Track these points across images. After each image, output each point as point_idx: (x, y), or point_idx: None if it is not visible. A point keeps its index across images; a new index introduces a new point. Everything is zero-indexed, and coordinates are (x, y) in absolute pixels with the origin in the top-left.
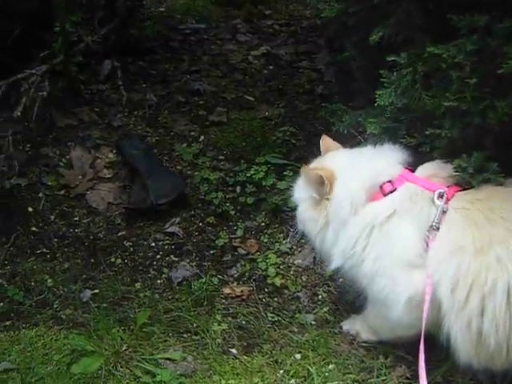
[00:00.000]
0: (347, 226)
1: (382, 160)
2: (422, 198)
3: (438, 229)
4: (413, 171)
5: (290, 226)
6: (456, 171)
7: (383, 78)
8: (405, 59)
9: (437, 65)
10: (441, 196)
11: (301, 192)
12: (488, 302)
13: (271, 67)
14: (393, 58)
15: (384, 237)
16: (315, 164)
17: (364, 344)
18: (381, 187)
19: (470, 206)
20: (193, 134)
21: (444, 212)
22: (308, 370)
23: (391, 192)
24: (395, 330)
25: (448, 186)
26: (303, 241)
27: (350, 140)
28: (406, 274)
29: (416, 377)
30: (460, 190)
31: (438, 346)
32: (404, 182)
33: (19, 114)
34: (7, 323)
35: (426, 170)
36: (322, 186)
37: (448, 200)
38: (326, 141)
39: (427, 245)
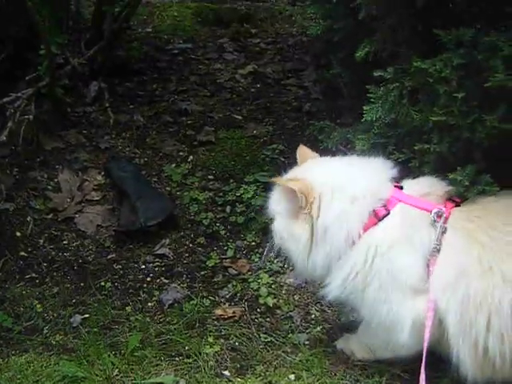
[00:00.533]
0: (345, 257)
1: (371, 179)
2: (419, 220)
3: (439, 251)
4: (401, 187)
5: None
6: (452, 185)
7: (370, 94)
8: (391, 74)
9: (423, 80)
10: (439, 216)
11: (276, 205)
12: (494, 319)
13: (258, 85)
14: (379, 73)
15: (386, 266)
16: (291, 174)
17: (359, 363)
18: (374, 211)
19: (471, 225)
20: (181, 154)
21: (443, 233)
22: None
23: (385, 216)
24: (396, 352)
25: (444, 202)
26: None
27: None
28: (410, 300)
29: None
30: (454, 206)
31: (435, 362)
32: (397, 203)
33: (5, 138)
34: None
35: (416, 187)
36: (296, 199)
37: (446, 219)
38: (302, 150)
39: (429, 268)
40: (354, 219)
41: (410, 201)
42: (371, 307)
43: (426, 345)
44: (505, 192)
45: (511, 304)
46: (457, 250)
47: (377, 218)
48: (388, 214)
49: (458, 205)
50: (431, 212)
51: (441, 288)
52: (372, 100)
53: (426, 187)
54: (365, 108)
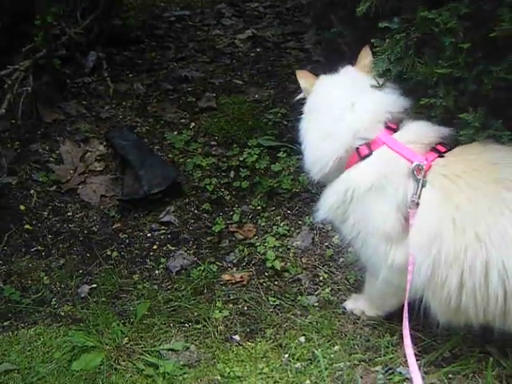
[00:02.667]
0: (333, 184)
1: (364, 114)
2: (397, 169)
3: (418, 204)
4: (394, 129)
5: (287, 207)
6: (461, 127)
7: (375, 47)
8: (397, 24)
9: (429, 30)
10: (419, 169)
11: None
12: (467, 278)
13: (258, 50)
14: (385, 25)
15: (362, 208)
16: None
17: (369, 322)
18: (357, 149)
19: (449, 184)
20: (183, 121)
21: (423, 186)
22: (313, 352)
23: (367, 156)
24: (383, 297)
25: (426, 153)
26: (300, 222)
27: None
28: (384, 246)
29: (424, 352)
30: (438, 156)
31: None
32: (381, 145)
33: (4, 111)
34: (5, 324)
35: (407, 133)
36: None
37: (426, 172)
38: (303, 73)
39: (406, 220)
40: (325, 152)
41: (394, 146)
42: (351, 239)
43: (406, 296)
44: (493, 144)
45: (483, 263)
46: (432, 209)
47: (359, 156)
48: (370, 154)
49: (440, 155)
50: (412, 163)
51: (417, 246)
52: (378, 53)
53: (413, 134)
54: (373, 61)
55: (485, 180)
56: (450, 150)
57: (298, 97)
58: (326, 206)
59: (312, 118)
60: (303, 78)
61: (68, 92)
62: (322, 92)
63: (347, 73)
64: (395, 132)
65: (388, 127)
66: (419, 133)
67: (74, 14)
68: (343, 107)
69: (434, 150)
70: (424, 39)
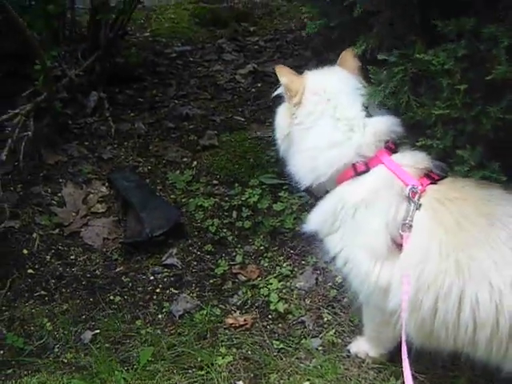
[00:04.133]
0: (325, 198)
1: (371, 130)
2: (392, 190)
3: (411, 227)
4: (394, 149)
5: (290, 247)
6: (457, 162)
7: (372, 75)
8: (396, 58)
9: (426, 67)
10: (414, 193)
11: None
12: (441, 305)
13: (259, 85)
14: (383, 57)
15: (352, 222)
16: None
17: (374, 366)
18: (353, 165)
19: (441, 207)
20: (185, 160)
21: (417, 209)
22: None
23: (363, 172)
24: (377, 328)
25: (420, 178)
26: (304, 262)
27: None
28: (368, 263)
29: None
30: (431, 183)
31: (449, 359)
32: (379, 164)
33: (4, 157)
34: (8, 372)
35: (404, 156)
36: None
37: (420, 195)
38: (283, 70)
39: (393, 241)
40: (328, 161)
41: (391, 166)
42: (335, 254)
43: (403, 317)
44: (490, 184)
45: (458, 293)
46: (424, 231)
47: (355, 171)
48: (366, 171)
49: (434, 182)
50: (407, 186)
51: (409, 266)
52: (373, 81)
53: (410, 158)
54: (366, 90)
55: (475, 211)
56: (442, 178)
57: (276, 92)
58: (317, 216)
59: (312, 122)
60: (284, 74)
61: (70, 133)
62: (327, 96)
63: (339, 74)
64: (393, 153)
65: (388, 147)
66: (415, 158)
67: (75, 55)
68: (351, 118)
69: (427, 176)
70: (421, 76)
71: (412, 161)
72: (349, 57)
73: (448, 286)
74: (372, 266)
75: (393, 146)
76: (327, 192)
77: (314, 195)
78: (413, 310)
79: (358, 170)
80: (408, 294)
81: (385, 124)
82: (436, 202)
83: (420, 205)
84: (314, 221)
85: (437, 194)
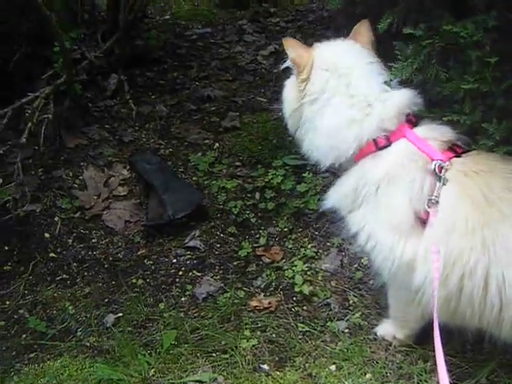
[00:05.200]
0: (346, 174)
1: (391, 104)
2: (416, 164)
3: (438, 203)
4: (415, 122)
5: (314, 228)
6: (482, 137)
7: (398, 51)
8: (423, 31)
9: (454, 40)
10: (441, 168)
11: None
12: (467, 282)
13: (281, 66)
14: (409, 31)
15: (375, 199)
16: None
17: (401, 349)
18: (374, 140)
19: (467, 180)
20: (207, 142)
21: (443, 185)
22: (343, 382)
23: (385, 147)
24: (403, 309)
25: (443, 151)
26: (329, 244)
27: None
28: (392, 239)
29: (459, 379)
30: (454, 156)
31: (479, 342)
32: (401, 138)
33: (25, 140)
34: (31, 355)
35: (426, 129)
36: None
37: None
38: (291, 42)
39: (416, 215)
40: (348, 139)
41: (414, 140)
42: (356, 231)
43: (435, 295)
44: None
45: (484, 270)
46: (449, 205)
47: (376, 146)
48: (388, 145)
49: (458, 155)
50: (432, 160)
51: (434, 243)
52: (399, 58)
53: (432, 130)
54: (393, 67)
55: (501, 184)
56: (466, 152)
57: (284, 65)
58: (338, 193)
59: (325, 100)
60: (291, 48)
61: (90, 116)
62: (339, 71)
63: (351, 48)
64: (415, 126)
65: (409, 120)
66: (438, 131)
67: (95, 37)
68: (369, 94)
69: (451, 149)
70: (448, 50)
71: (435, 134)
72: (363, 29)
73: (474, 263)
74: (396, 241)
75: (414, 119)
76: (347, 169)
77: (334, 174)
78: (439, 286)
79: (379, 144)
80: (439, 270)
81: (406, 96)
82: (462, 175)
83: (447, 180)
84: (334, 198)
85: (462, 167)
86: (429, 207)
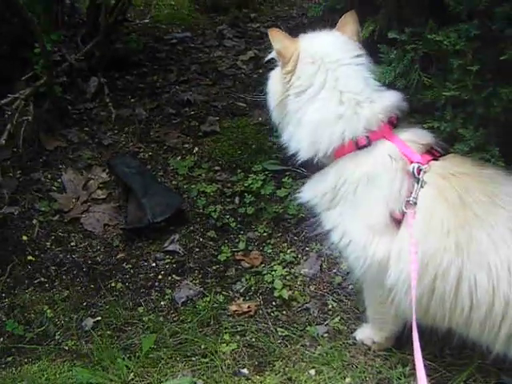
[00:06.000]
0: (323, 172)
1: (379, 106)
2: (397, 165)
3: (415, 204)
4: (395, 125)
5: (294, 233)
6: (458, 142)
7: (381, 54)
8: (407, 36)
9: (437, 48)
10: (420, 170)
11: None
12: (439, 283)
13: (261, 71)
14: (393, 36)
15: (353, 198)
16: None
17: (380, 353)
18: (355, 139)
19: (444, 183)
20: (186, 146)
21: (421, 187)
22: None
23: (364, 146)
24: (379, 309)
25: (422, 154)
26: (308, 249)
27: None
28: (366, 238)
29: (438, 383)
30: (432, 159)
31: (458, 347)
32: (380, 138)
33: (3, 141)
34: (8, 359)
35: (406, 131)
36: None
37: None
38: (276, 33)
39: (391, 215)
40: (332, 135)
41: (394, 141)
42: (331, 228)
43: (414, 296)
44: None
45: (457, 273)
46: (425, 207)
47: (356, 145)
48: (368, 145)
49: (435, 158)
50: (411, 162)
51: (413, 242)
52: (383, 60)
53: (411, 133)
54: (377, 70)
55: (478, 187)
56: (443, 155)
57: (269, 56)
58: (315, 190)
59: (311, 93)
60: (276, 39)
61: (69, 119)
62: (326, 65)
63: (338, 40)
64: (394, 128)
65: (390, 122)
66: (417, 133)
67: (75, 40)
68: (359, 93)
69: (429, 152)
70: (431, 57)
71: (414, 136)
72: (349, 20)
73: (447, 265)
74: (369, 240)
75: (395, 121)
76: (324, 166)
77: (310, 168)
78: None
79: (359, 144)
80: (417, 271)
81: (395, 98)
82: (440, 177)
83: (425, 182)
84: (311, 194)
85: (440, 170)
86: (406, 208)
